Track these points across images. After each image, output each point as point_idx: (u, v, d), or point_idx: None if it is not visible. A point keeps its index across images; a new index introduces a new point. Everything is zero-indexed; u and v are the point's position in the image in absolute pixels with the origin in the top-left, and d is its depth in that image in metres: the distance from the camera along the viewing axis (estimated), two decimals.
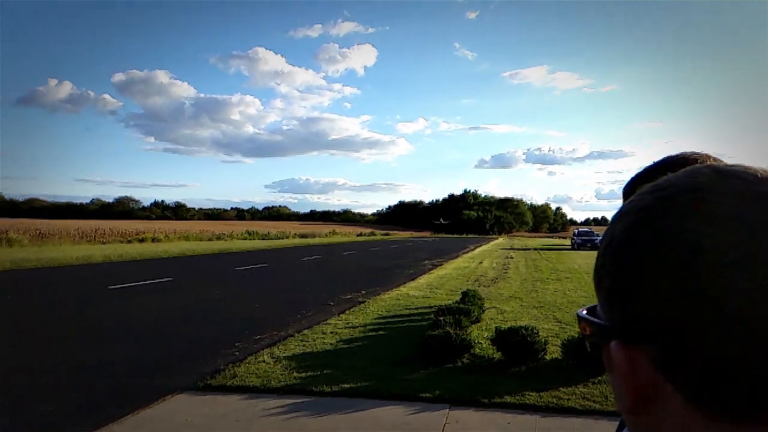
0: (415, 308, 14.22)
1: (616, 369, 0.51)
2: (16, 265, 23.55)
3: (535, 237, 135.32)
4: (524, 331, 8.34)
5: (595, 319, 0.54)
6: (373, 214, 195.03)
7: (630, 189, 0.62)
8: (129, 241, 48.49)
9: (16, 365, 8.43)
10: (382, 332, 11.10)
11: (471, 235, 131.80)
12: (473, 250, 52.16)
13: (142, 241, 49.78)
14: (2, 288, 17.10)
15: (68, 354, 9.20)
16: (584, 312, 0.58)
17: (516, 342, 8.26)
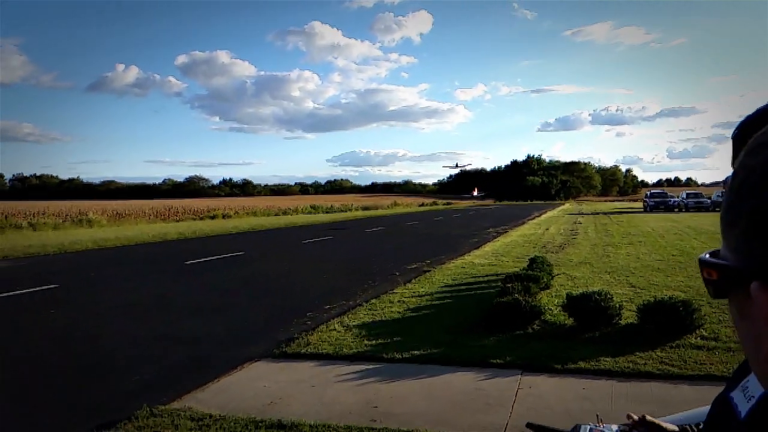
0: (482, 276, 14.14)
1: (756, 313, 0.47)
2: (97, 245, 24.93)
3: (605, 201, 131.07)
4: (597, 297, 8.15)
5: (726, 262, 0.50)
6: (434, 184, 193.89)
7: (741, 133, 0.57)
8: (201, 218, 50.32)
9: (106, 339, 8.99)
10: (448, 300, 11.12)
11: (536, 202, 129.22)
12: (539, 216, 51.16)
13: (213, 218, 51.58)
14: (87, 266, 18.16)
15: (153, 326, 9.72)
16: (707, 256, 0.54)
17: (589, 307, 8.09)
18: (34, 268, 17.41)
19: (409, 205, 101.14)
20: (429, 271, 15.42)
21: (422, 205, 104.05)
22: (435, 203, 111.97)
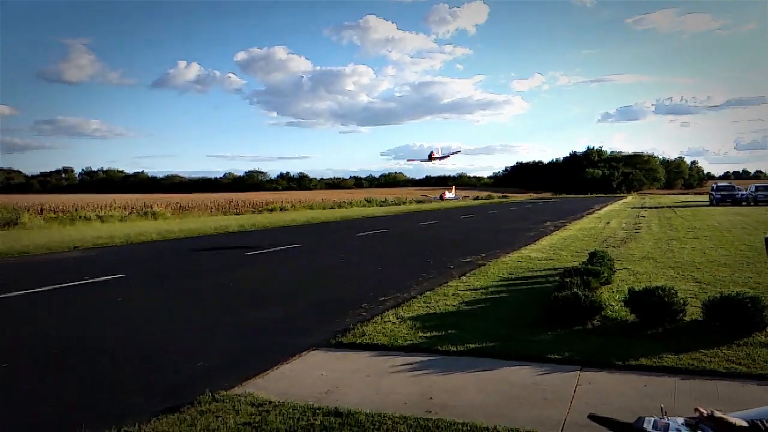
0: (539, 270, 13.90)
1: None
2: (161, 236, 25.91)
3: (669, 194, 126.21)
4: (661, 292, 7.88)
5: None
6: (490, 177, 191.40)
7: None
8: (260, 211, 51.53)
9: (170, 325, 9.35)
10: (504, 294, 10.99)
11: (596, 195, 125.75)
12: (599, 210, 49.78)
13: (271, 210, 52.71)
14: (152, 256, 18.91)
15: (215, 314, 10.05)
16: None
17: (652, 303, 7.83)
18: (103, 258, 18.26)
19: (463, 199, 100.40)
20: (484, 264, 15.27)
21: (477, 198, 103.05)
22: (490, 196, 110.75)
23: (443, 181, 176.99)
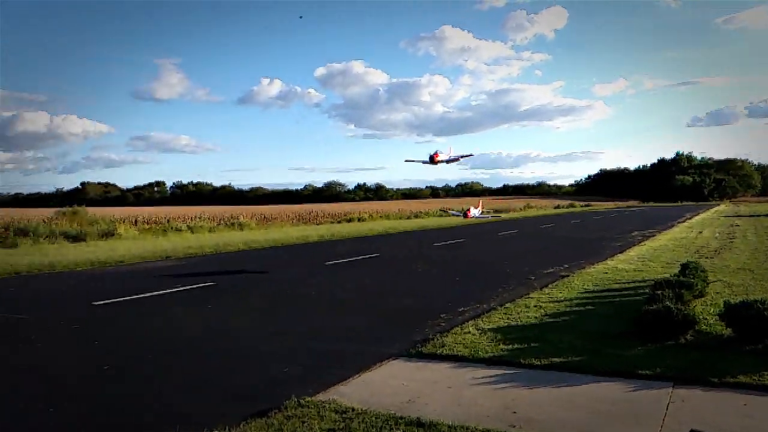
0: (627, 282, 13.36)
1: None
2: (247, 246, 26.91)
3: (765, 202, 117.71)
4: (760, 305, 7.39)
5: None
6: (571, 185, 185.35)
7: None
8: (338, 222, 52.47)
9: (256, 332, 9.71)
10: (590, 307, 10.64)
11: (686, 203, 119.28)
12: (690, 218, 47.22)
13: (349, 221, 53.55)
14: (238, 265, 19.66)
15: (298, 321, 10.35)
16: None
17: (750, 317, 7.36)
18: (194, 266, 19.18)
19: (543, 207, 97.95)
20: (567, 276, 14.85)
21: (558, 207, 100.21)
22: (572, 205, 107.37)
23: (521, 190, 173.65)
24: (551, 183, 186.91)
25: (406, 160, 20.50)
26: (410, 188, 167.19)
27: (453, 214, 28.15)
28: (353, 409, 5.64)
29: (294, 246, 27.88)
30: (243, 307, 12.09)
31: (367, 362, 7.39)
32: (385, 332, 9.30)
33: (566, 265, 17.04)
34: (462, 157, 19.07)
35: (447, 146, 23.46)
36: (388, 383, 6.58)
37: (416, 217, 62.66)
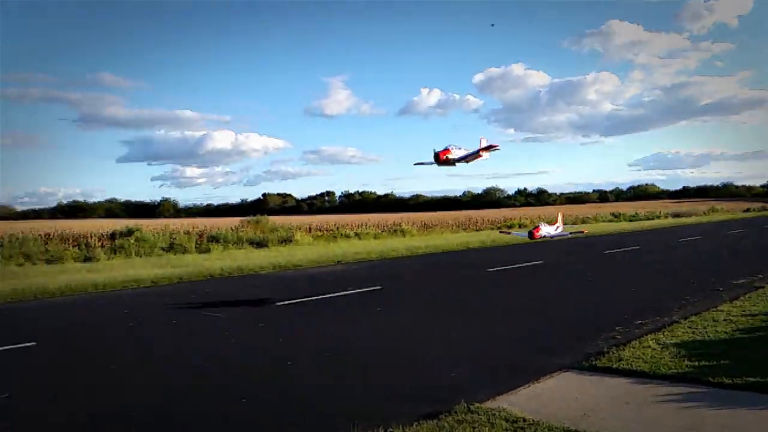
0: None
1: None
2: (410, 252, 27.65)
3: None
4: None
5: None
6: (763, 186, 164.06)
7: None
8: (498, 228, 51.82)
9: (423, 335, 9.97)
10: None
11: None
12: None
13: (510, 227, 52.64)
14: (403, 270, 20.26)
15: (462, 328, 10.43)
16: None
17: None
18: (362, 271, 20.14)
19: (730, 211, 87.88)
20: (763, 287, 13.26)
21: (747, 210, 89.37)
22: (765, 208, 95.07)
23: (704, 192, 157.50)
24: (738, 184, 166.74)
25: (415, 164, 13.52)
26: (575, 192, 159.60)
27: (516, 235, 19.46)
28: (524, 419, 5.59)
29: (454, 252, 28.07)
30: (409, 311, 12.46)
31: (537, 372, 7.25)
32: (555, 342, 9.04)
33: (761, 276, 15.23)
34: (484, 149, 12.77)
35: (457, 146, 13.36)
36: (560, 395, 6.40)
37: (583, 222, 59.69)
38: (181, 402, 6.73)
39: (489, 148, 12.87)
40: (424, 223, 50.00)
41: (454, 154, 12.66)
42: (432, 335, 9.96)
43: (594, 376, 7.04)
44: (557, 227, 15.99)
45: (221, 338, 10.10)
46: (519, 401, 6.22)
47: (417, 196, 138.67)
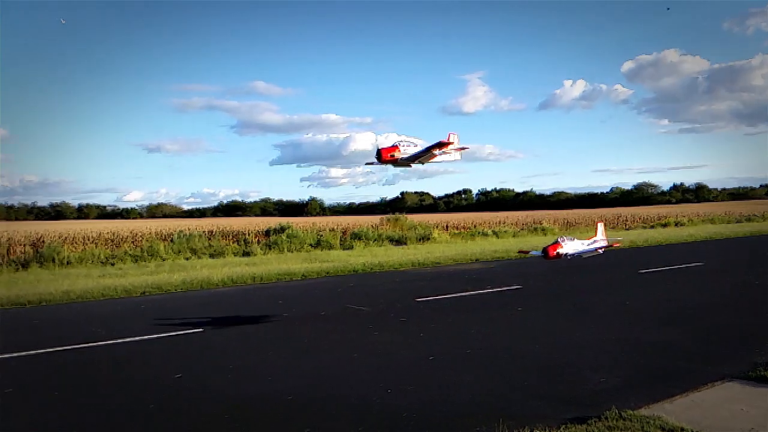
0: None
1: None
2: None
3: None
4: None
5: None
6: None
7: None
8: (651, 227, 48.35)
9: (568, 338, 9.65)
10: None
11: None
12: None
13: (664, 225, 48.93)
14: (546, 270, 19.68)
15: (609, 331, 9.96)
16: None
17: None
18: (500, 270, 19.87)
19: None
20: None
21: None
22: None
23: None
24: None
25: (366, 163, 10.95)
26: (739, 187, 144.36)
27: (534, 254, 12.31)
28: (682, 429, 5.26)
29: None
30: (551, 311, 12.11)
31: (696, 381, 6.77)
32: (714, 349, 8.35)
33: None
34: (437, 146, 10.24)
35: (405, 141, 10.17)
36: (724, 406, 5.91)
37: (748, 220, 53.85)
38: (324, 388, 7.15)
39: (439, 147, 10.36)
40: (567, 221, 48.12)
41: (404, 152, 10.31)
42: (575, 337, 9.62)
43: (763, 388, 6.41)
44: (593, 241, 12.07)
45: (365, 331, 10.53)
46: (676, 410, 5.84)
47: (558, 193, 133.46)
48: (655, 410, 5.83)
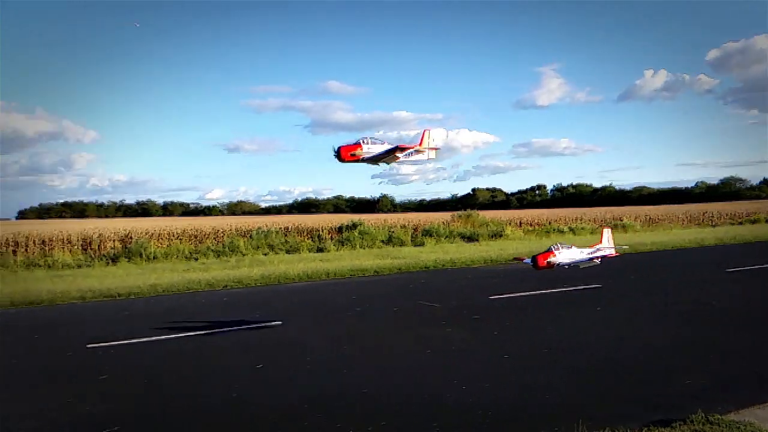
0: None
1: None
2: (632, 249, 25.69)
3: None
4: None
5: None
6: None
7: None
8: (740, 223, 45.59)
9: (649, 341, 9.31)
10: None
11: None
12: None
13: (753, 222, 45.99)
14: (624, 268, 18.98)
15: (695, 332, 9.54)
16: None
17: None
18: (575, 267, 19.27)
19: None
20: None
21: None
22: None
23: None
24: None
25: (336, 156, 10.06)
26: None
27: (528, 263, 10.57)
28: None
29: (685, 250, 25.45)
30: (632, 311, 11.72)
31: None
32: None
33: None
34: (396, 150, 9.76)
35: (369, 138, 9.68)
36: None
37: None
38: (398, 383, 7.24)
39: (401, 151, 9.90)
40: (649, 218, 46.06)
41: (367, 151, 9.77)
42: (658, 337, 9.28)
43: None
44: (596, 249, 10.71)
45: (438, 328, 10.56)
46: (767, 416, 5.54)
47: (639, 188, 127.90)
48: (745, 416, 5.55)
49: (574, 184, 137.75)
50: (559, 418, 5.74)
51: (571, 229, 37.47)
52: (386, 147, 9.73)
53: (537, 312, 11.84)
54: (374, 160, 9.81)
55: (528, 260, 10.18)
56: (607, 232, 10.86)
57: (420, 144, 10.09)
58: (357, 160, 9.73)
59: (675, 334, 9.45)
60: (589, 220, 42.03)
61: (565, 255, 10.26)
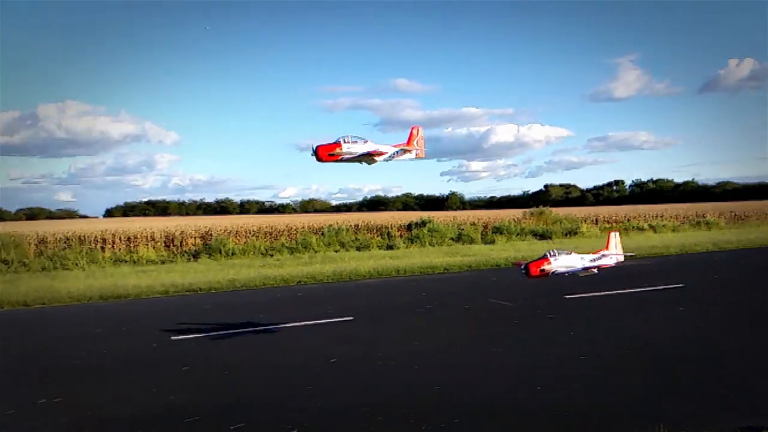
0: None
1: None
2: (717, 247, 24.45)
3: None
4: None
5: None
6: None
7: None
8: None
9: (729, 343, 8.82)
10: None
11: None
12: None
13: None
14: (708, 267, 18.02)
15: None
16: None
17: None
18: (660, 266, 18.49)
19: None
20: None
21: None
22: None
23: None
24: None
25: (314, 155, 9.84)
26: None
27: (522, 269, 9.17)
28: None
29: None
30: (718, 313, 11.18)
31: None
32: None
33: None
34: (374, 153, 9.50)
35: (349, 137, 9.46)
36: None
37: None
38: (469, 381, 7.20)
39: (378, 154, 9.54)
40: (735, 214, 43.54)
41: (347, 150, 9.52)
42: (745, 341, 8.82)
43: None
44: (600, 255, 9.47)
45: (510, 327, 10.43)
46: None
47: (724, 183, 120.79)
48: None
49: (654, 179, 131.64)
50: (638, 420, 5.55)
51: (651, 227, 35.94)
52: (369, 147, 9.50)
53: (615, 312, 11.47)
54: (357, 158, 9.63)
55: (522, 268, 9.15)
56: (614, 236, 9.86)
57: (408, 143, 9.88)
58: (336, 160, 9.54)
59: (764, 338, 8.92)
60: (671, 217, 40.14)
61: (562, 262, 9.14)
